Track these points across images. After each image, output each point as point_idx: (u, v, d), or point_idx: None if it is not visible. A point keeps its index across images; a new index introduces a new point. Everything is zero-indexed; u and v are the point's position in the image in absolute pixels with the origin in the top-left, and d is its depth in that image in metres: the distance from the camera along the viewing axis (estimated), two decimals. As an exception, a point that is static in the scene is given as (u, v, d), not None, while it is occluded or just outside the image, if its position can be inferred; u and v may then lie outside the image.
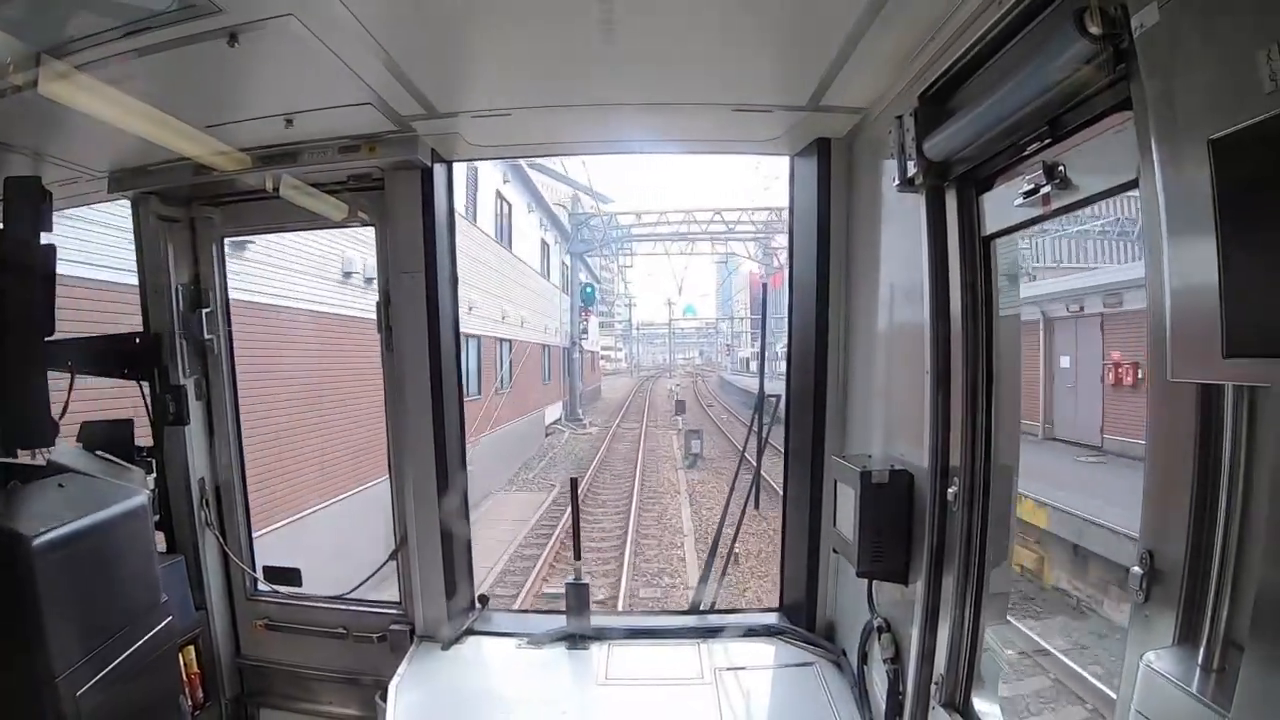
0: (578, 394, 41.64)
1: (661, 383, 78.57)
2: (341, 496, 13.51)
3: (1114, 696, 1.55)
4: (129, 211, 3.85)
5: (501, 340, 27.71)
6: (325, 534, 11.81)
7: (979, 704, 2.54)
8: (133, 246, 3.89)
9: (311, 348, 13.35)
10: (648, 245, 45.17)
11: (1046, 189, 2.01)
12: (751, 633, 3.89)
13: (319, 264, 13.57)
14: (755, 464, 4.31)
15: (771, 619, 3.97)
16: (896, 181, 2.60)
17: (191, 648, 3.81)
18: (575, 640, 3.80)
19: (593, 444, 32.39)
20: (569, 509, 5.08)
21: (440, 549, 3.83)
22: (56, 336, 3.02)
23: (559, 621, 3.89)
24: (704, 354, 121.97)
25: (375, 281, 3.87)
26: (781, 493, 4.14)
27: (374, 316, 3.82)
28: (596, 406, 51.14)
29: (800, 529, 3.80)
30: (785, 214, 4.03)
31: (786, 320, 3.95)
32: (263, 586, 4.17)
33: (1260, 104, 1.18)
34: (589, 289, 44.48)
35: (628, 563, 15.09)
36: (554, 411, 38.02)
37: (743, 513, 4.58)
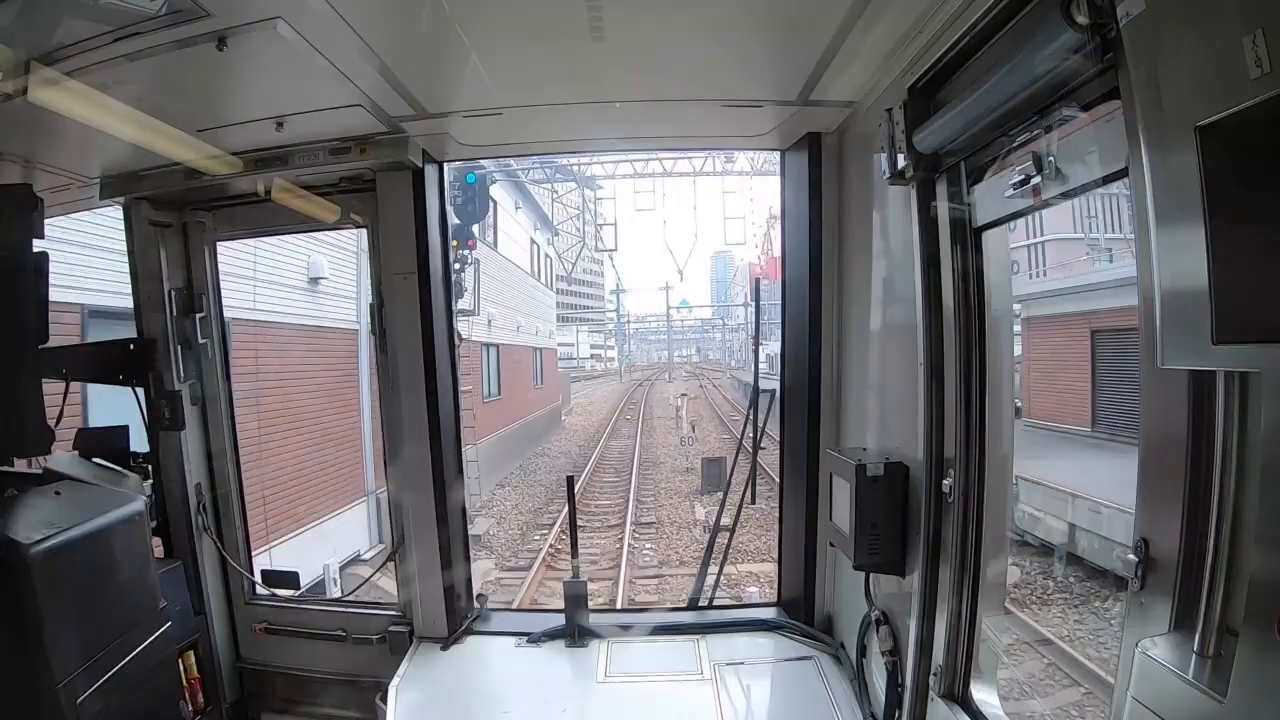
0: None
1: (659, 390, 57.23)
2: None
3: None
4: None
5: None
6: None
7: (978, 694, 2.55)
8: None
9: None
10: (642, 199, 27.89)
11: (1036, 179, 2.02)
12: (750, 627, 3.89)
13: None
14: (751, 457, 4.31)
15: (770, 613, 3.98)
16: (887, 174, 2.61)
17: (191, 653, 3.81)
18: (574, 638, 3.81)
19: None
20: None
21: (438, 550, 3.83)
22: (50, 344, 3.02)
23: (557, 620, 3.89)
24: (701, 350, 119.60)
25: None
26: (778, 487, 4.14)
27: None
28: (537, 462, 26.28)
29: (797, 523, 3.80)
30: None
31: (780, 314, 3.96)
32: (261, 590, 4.17)
33: (1246, 90, 1.19)
34: (471, 177, 19.79)
35: None
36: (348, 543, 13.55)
37: (739, 508, 4.58)
